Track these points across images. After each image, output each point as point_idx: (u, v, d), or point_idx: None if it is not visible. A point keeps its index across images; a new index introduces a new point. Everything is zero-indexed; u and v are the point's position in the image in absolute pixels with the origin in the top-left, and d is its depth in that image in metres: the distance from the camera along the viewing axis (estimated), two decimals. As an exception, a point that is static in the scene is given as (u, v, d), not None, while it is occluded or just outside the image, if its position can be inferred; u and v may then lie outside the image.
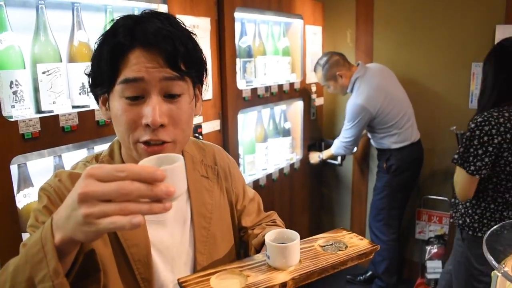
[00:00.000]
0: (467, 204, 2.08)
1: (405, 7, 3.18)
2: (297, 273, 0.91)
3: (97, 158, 1.05)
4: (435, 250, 3.24)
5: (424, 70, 3.24)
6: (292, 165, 3.14)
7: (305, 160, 3.32)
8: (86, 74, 0.99)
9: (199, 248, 1.07)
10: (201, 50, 0.98)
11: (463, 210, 2.11)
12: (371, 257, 1.02)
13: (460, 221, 2.11)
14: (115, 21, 0.93)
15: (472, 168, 1.92)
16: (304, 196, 3.40)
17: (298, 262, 0.95)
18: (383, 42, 3.40)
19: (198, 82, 1.00)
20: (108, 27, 0.92)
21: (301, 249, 0.99)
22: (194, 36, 0.96)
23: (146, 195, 0.65)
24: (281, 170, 2.99)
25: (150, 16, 0.92)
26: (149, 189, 0.65)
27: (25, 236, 1.54)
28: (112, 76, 0.89)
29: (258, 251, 1.13)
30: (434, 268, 3.21)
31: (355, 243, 1.04)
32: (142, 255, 0.98)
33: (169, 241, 1.05)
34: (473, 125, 1.92)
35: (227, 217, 1.19)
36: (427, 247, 3.28)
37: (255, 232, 1.21)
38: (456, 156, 1.98)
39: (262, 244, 1.13)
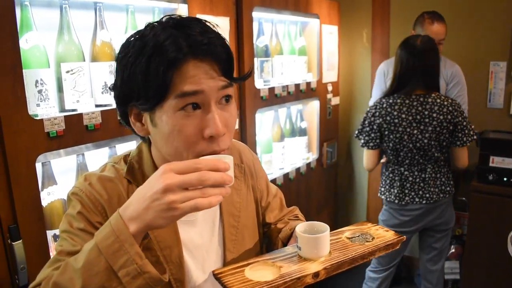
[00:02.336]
0: (382, 177, 2.63)
1: (422, 7, 3.15)
2: (328, 263, 0.92)
3: (125, 159, 1.04)
4: (453, 250, 3.21)
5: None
6: (308, 165, 3.13)
7: (321, 159, 3.32)
8: (111, 88, 0.96)
9: (228, 247, 1.08)
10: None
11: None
12: (398, 247, 1.04)
13: (380, 191, 2.63)
14: (150, 32, 0.87)
15: (362, 141, 2.51)
16: (320, 196, 3.39)
17: (328, 253, 0.97)
18: (400, 42, 3.38)
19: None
20: (143, 39, 0.87)
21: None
22: None
23: (218, 181, 0.77)
24: (297, 169, 2.99)
25: (190, 22, 0.88)
26: (220, 176, 0.78)
27: (50, 233, 1.56)
28: (165, 91, 0.85)
29: (285, 244, 1.14)
30: (451, 268, 3.19)
31: (381, 234, 1.06)
32: (174, 256, 0.99)
33: (199, 240, 1.05)
34: (367, 109, 2.49)
35: (253, 214, 1.19)
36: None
37: (278, 226, 1.22)
38: (356, 132, 2.57)
39: (289, 237, 1.14)
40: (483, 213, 2.79)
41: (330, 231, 1.08)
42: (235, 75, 0.93)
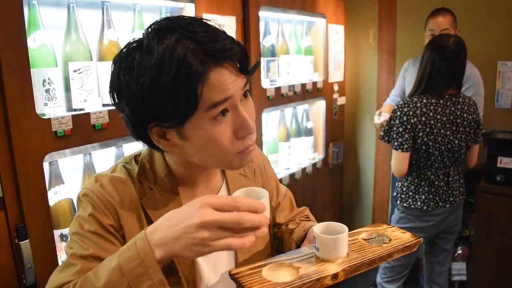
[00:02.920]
0: (401, 183, 2.46)
1: (428, 6, 3.14)
2: (347, 265, 0.91)
3: (136, 159, 1.03)
4: (460, 252, 3.19)
5: (449, 69, 3.20)
6: (314, 165, 3.12)
7: (326, 159, 3.30)
8: (125, 116, 0.90)
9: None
10: None
11: (396, 184, 2.51)
12: (415, 249, 1.02)
13: (394, 193, 2.50)
14: (158, 46, 0.82)
15: (395, 143, 2.28)
16: (326, 196, 3.38)
17: (346, 254, 0.96)
18: (407, 41, 3.37)
19: None
20: (153, 54, 0.82)
21: None
22: None
23: (256, 224, 0.77)
24: (303, 169, 2.98)
25: (201, 26, 0.86)
26: (258, 219, 0.77)
27: (57, 233, 1.56)
28: (195, 106, 0.83)
29: (298, 245, 1.13)
30: (458, 270, 3.17)
31: (398, 236, 1.04)
32: None
33: None
34: (395, 107, 2.29)
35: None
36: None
37: (289, 227, 1.21)
38: (382, 133, 2.37)
39: (303, 238, 1.13)
40: (490, 214, 2.77)
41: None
42: None
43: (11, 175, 1.39)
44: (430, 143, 2.24)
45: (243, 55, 0.88)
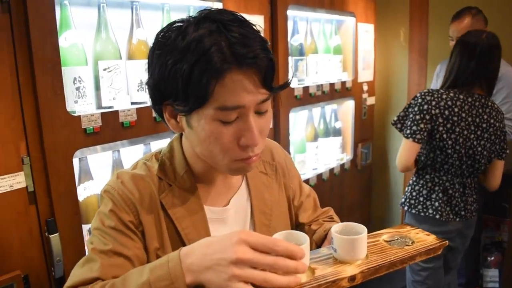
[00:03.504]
0: (410, 181, 2.26)
1: (462, 5, 3.07)
2: (365, 267, 0.89)
3: (156, 156, 1.04)
4: (492, 258, 3.10)
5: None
6: (342, 165, 3.09)
7: (355, 160, 3.27)
8: (147, 84, 0.93)
9: None
10: None
11: (406, 188, 2.29)
12: (439, 252, 0.98)
13: (403, 199, 2.27)
14: (193, 32, 0.83)
15: (408, 131, 2.05)
16: (354, 197, 3.35)
17: (365, 256, 0.93)
18: (439, 42, 3.30)
19: None
20: (185, 38, 0.83)
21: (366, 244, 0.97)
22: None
23: (291, 271, 0.75)
24: (331, 170, 2.95)
25: (230, 25, 0.84)
26: (295, 266, 0.76)
27: (85, 227, 1.60)
28: (205, 100, 0.83)
29: (318, 246, 1.12)
30: (491, 277, 3.08)
31: (422, 238, 1.00)
32: None
33: None
34: (418, 94, 2.08)
35: (285, 213, 1.18)
36: (483, 255, 3.14)
37: (312, 228, 1.19)
38: (395, 119, 2.14)
39: (323, 239, 1.11)
40: (525, 218, 2.68)
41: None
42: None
43: (42, 170, 1.43)
44: (450, 142, 2.03)
45: (268, 68, 0.85)
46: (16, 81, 1.36)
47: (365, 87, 3.27)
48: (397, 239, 1.00)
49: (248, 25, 0.86)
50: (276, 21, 2.33)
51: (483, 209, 3.17)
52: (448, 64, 2.16)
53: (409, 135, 2.04)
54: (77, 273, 0.89)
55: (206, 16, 0.85)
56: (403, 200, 2.26)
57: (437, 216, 2.10)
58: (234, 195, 1.07)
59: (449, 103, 2.01)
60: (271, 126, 2.37)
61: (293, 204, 1.22)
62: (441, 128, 2.02)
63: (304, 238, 0.86)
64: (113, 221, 0.93)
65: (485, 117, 2.06)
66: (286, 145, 2.51)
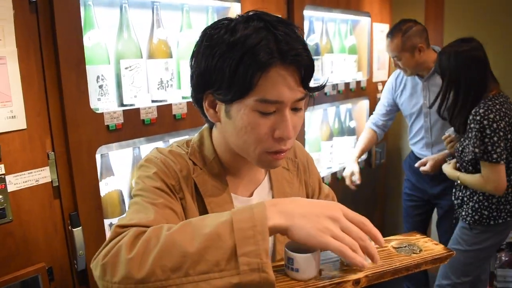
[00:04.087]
0: (480, 197, 2.15)
1: (478, 5, 3.06)
2: (371, 271, 0.90)
3: (187, 143, 1.09)
4: (507, 258, 3.08)
5: (500, 70, 3.09)
6: (356, 165, 3.10)
7: (369, 160, 3.28)
8: (193, 73, 0.97)
9: (278, 238, 1.09)
10: None
11: (476, 206, 2.17)
12: (445, 262, 0.99)
13: (476, 217, 2.17)
14: (242, 29, 0.88)
15: (494, 156, 1.98)
16: (368, 197, 3.35)
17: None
18: (455, 41, 3.29)
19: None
20: (234, 34, 0.88)
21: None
22: None
23: (368, 249, 0.83)
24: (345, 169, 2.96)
25: (276, 24, 0.89)
26: (372, 247, 0.83)
27: (106, 222, 1.64)
28: (248, 91, 0.89)
29: None
30: (505, 277, 3.06)
31: (430, 247, 1.01)
32: None
33: None
34: (478, 117, 1.99)
35: None
36: (497, 255, 3.13)
37: None
38: (477, 150, 2.01)
39: None
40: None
41: None
42: None
43: (66, 165, 1.48)
44: None
45: (308, 68, 0.91)
46: (42, 79, 1.40)
47: (380, 87, 3.28)
48: (405, 246, 1.02)
49: (291, 26, 0.92)
50: (292, 21, 2.34)
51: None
52: (447, 85, 2.13)
53: (498, 159, 1.98)
54: (132, 217, 0.89)
55: (253, 15, 0.92)
56: (468, 217, 2.20)
57: (509, 218, 2.14)
58: (257, 188, 1.11)
59: (503, 109, 2.00)
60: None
61: None
62: (509, 136, 2.01)
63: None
64: (158, 182, 0.97)
65: None
66: (301, 144, 2.52)
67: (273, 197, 1.13)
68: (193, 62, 0.98)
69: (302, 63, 0.89)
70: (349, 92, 2.89)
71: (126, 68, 1.65)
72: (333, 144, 2.92)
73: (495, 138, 1.97)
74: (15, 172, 1.35)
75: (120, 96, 1.68)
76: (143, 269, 0.75)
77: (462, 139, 2.17)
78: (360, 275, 0.89)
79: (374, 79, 3.20)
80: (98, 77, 1.57)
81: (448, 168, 2.31)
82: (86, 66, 1.49)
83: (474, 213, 2.18)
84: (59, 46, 1.40)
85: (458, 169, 2.25)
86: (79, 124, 1.47)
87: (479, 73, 2.08)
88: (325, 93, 2.64)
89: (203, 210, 1.01)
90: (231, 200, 1.04)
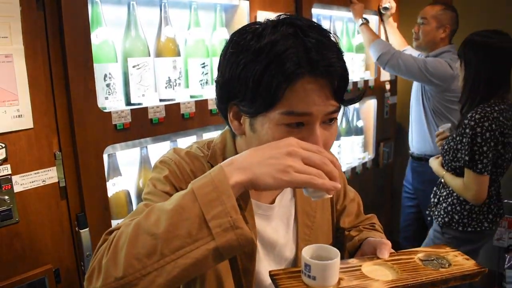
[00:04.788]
0: (454, 200, 2.11)
1: (486, 3, 3.03)
2: (393, 284, 0.85)
3: (208, 145, 1.04)
4: (517, 260, 3.05)
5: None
6: (364, 164, 3.07)
7: (377, 159, 3.25)
8: (217, 82, 0.93)
9: (301, 246, 1.05)
10: None
11: (449, 208, 2.13)
12: (476, 280, 0.93)
13: (446, 219, 2.14)
14: (269, 34, 0.83)
15: (479, 166, 1.91)
16: (376, 197, 3.33)
17: (396, 273, 0.90)
18: (463, 37, 3.25)
19: None
20: (260, 41, 0.83)
21: (399, 260, 0.94)
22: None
23: (333, 173, 0.78)
24: (353, 168, 2.94)
25: (307, 30, 0.83)
26: (335, 171, 0.78)
27: (114, 223, 1.62)
28: (273, 104, 0.83)
29: (351, 255, 1.10)
30: (515, 277, 3.03)
31: (459, 262, 0.95)
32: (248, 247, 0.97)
33: (273, 236, 1.04)
34: (472, 123, 1.91)
35: (328, 216, 1.16)
36: (506, 255, 3.10)
37: (351, 234, 1.17)
38: (467, 158, 1.94)
39: (357, 248, 1.09)
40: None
41: (387, 237, 1.03)
42: None
43: (73, 165, 1.45)
44: (503, 151, 1.97)
45: (341, 79, 0.84)
46: (49, 77, 1.38)
47: (388, 86, 3.25)
48: (433, 260, 0.96)
49: (325, 33, 0.85)
50: (300, 19, 2.32)
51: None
52: (468, 74, 2.04)
53: (482, 170, 1.92)
54: (123, 222, 0.85)
55: (284, 20, 0.85)
56: (447, 220, 2.14)
57: (494, 227, 2.11)
58: (279, 194, 1.07)
59: (501, 118, 1.92)
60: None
61: (336, 207, 1.20)
62: (499, 147, 1.95)
63: (334, 253, 0.85)
64: (167, 186, 0.94)
65: None
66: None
67: (295, 204, 1.08)
68: (218, 70, 0.93)
69: (334, 74, 0.82)
70: (357, 91, 2.86)
71: (133, 67, 1.63)
72: (341, 143, 2.89)
73: (485, 148, 1.90)
74: (21, 172, 1.32)
75: (128, 95, 1.66)
76: (119, 265, 0.73)
77: (450, 137, 2.13)
78: (381, 287, 0.84)
79: (382, 78, 3.16)
80: (105, 75, 1.54)
81: (435, 164, 2.26)
82: (94, 65, 1.47)
83: (445, 215, 2.15)
84: (67, 44, 1.38)
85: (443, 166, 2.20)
86: (86, 124, 1.45)
87: (503, 69, 2.00)
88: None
89: None
90: (251, 208, 0.99)
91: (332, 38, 0.85)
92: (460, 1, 3.23)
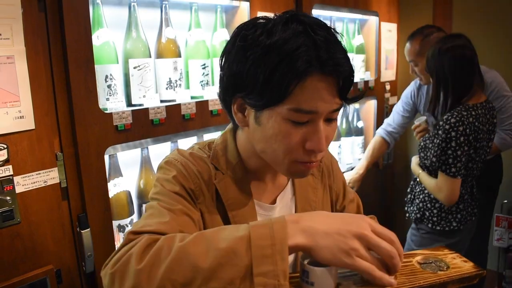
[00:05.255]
0: (426, 198, 2.15)
1: (486, 4, 3.03)
2: None
3: (209, 145, 1.05)
4: (516, 259, 3.05)
5: (511, 68, 3.07)
6: (364, 165, 3.07)
7: (377, 160, 3.25)
8: (224, 74, 0.93)
9: None
10: None
11: (421, 204, 2.17)
12: (474, 282, 0.92)
13: (419, 215, 2.18)
14: (280, 32, 0.83)
15: (453, 170, 1.93)
16: (376, 197, 3.33)
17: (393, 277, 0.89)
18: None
19: None
20: (270, 37, 0.83)
21: None
22: None
23: (396, 267, 0.78)
24: (353, 169, 2.93)
25: (324, 32, 0.84)
26: (399, 264, 0.78)
27: (115, 223, 1.62)
28: (282, 99, 0.83)
29: None
30: (515, 278, 3.04)
31: (458, 265, 0.94)
32: None
33: None
34: (447, 127, 1.91)
35: None
36: (506, 256, 3.10)
37: None
38: (434, 160, 1.97)
39: None
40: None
41: None
42: None
43: (74, 166, 1.46)
44: (474, 155, 2.00)
45: (347, 78, 0.85)
46: (50, 79, 1.38)
47: (388, 87, 3.25)
48: (431, 262, 0.95)
49: (331, 30, 0.86)
50: (301, 20, 2.32)
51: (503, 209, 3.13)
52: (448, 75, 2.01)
53: (456, 173, 1.93)
54: (148, 223, 0.85)
55: (292, 17, 0.85)
56: (419, 216, 2.18)
57: (462, 227, 2.10)
58: (280, 193, 1.07)
59: (476, 123, 1.93)
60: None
61: (336, 208, 1.21)
62: (472, 151, 1.97)
63: None
64: (176, 186, 0.93)
65: (494, 121, 2.06)
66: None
67: (296, 204, 1.09)
68: (223, 62, 0.92)
69: (342, 73, 0.83)
70: (357, 92, 2.84)
71: (134, 68, 1.63)
72: (341, 144, 2.90)
73: (459, 152, 1.90)
74: (23, 173, 1.33)
75: (129, 96, 1.66)
76: (152, 283, 0.72)
77: (427, 135, 2.14)
78: None
79: (382, 79, 3.17)
80: (106, 76, 1.55)
81: (413, 162, 2.28)
82: (95, 66, 1.47)
83: (417, 211, 2.20)
84: (68, 45, 1.38)
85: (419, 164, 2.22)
86: (87, 124, 1.45)
87: (463, 71, 1.98)
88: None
89: (224, 216, 0.98)
90: (253, 207, 1.00)
91: (338, 37, 0.87)
92: (459, 2, 3.24)
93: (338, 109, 0.88)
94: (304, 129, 0.86)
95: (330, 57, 0.81)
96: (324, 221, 0.77)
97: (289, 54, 0.80)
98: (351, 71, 0.86)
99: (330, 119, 0.89)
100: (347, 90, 0.86)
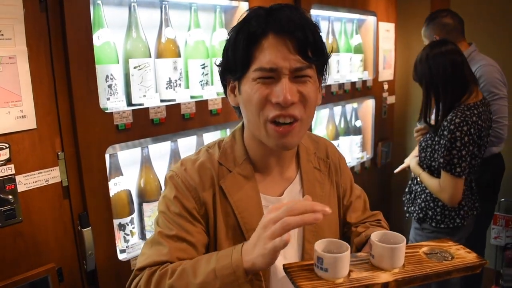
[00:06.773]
0: (428, 197, 2.16)
1: (482, 3, 3.05)
2: (400, 276, 0.90)
3: (219, 144, 1.12)
4: (513, 257, 3.07)
5: (509, 69, 3.08)
6: (362, 164, 3.10)
7: (375, 159, 3.27)
8: (216, 64, 1.07)
9: (307, 237, 1.10)
10: (324, 42, 1.01)
11: (423, 204, 2.18)
12: (478, 271, 0.97)
13: (421, 215, 2.18)
14: (247, 12, 0.99)
15: (458, 170, 1.94)
16: (374, 196, 3.33)
17: (402, 265, 0.94)
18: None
19: (320, 72, 1.03)
20: (240, 19, 0.98)
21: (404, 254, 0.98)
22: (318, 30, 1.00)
23: (307, 208, 0.85)
24: (351, 168, 2.96)
25: (280, 6, 0.96)
26: (309, 204, 0.86)
27: (115, 222, 1.63)
28: (247, 63, 0.95)
29: (358, 249, 1.14)
30: (511, 276, 3.06)
31: (462, 255, 1.00)
32: None
33: None
34: (452, 127, 1.92)
35: (335, 210, 1.20)
36: (504, 254, 3.12)
37: (358, 230, 1.20)
38: (442, 160, 1.97)
39: (364, 243, 1.13)
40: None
41: None
42: None
43: (75, 165, 1.47)
44: (477, 152, 2.03)
45: (306, 38, 0.92)
46: (52, 78, 1.39)
47: (386, 86, 3.27)
48: (436, 253, 1.01)
49: (295, 7, 0.97)
50: (299, 20, 2.33)
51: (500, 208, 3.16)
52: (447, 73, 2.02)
53: (461, 173, 1.94)
54: (148, 254, 1.00)
55: (270, 6, 0.98)
56: (421, 215, 2.19)
57: (465, 223, 2.10)
58: (288, 187, 1.11)
59: (479, 121, 1.95)
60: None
61: (343, 203, 1.24)
62: (475, 149, 1.99)
63: (345, 247, 0.90)
64: (177, 208, 1.02)
65: (491, 116, 2.11)
66: (334, 144, 2.51)
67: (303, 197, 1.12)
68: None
69: (296, 31, 0.91)
70: (355, 92, 2.88)
71: (135, 68, 1.65)
72: (340, 143, 2.91)
73: (463, 152, 1.92)
74: (25, 172, 1.34)
75: (129, 95, 1.68)
76: None
77: (428, 136, 2.15)
78: (389, 278, 0.89)
79: (380, 79, 3.19)
80: (107, 76, 1.56)
81: (413, 162, 2.29)
82: (96, 66, 1.48)
83: (420, 211, 2.20)
84: (69, 45, 1.39)
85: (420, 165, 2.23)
86: (88, 124, 1.46)
87: (454, 75, 2.01)
88: (332, 93, 2.64)
89: (231, 213, 1.04)
90: (259, 201, 1.06)
91: (300, 11, 0.97)
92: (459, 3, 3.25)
93: (303, 68, 0.94)
94: (271, 87, 0.95)
95: (281, 19, 0.92)
96: (252, 239, 0.89)
97: (245, 23, 0.95)
98: (311, 33, 0.93)
99: (301, 77, 0.95)
100: (308, 49, 0.94)
